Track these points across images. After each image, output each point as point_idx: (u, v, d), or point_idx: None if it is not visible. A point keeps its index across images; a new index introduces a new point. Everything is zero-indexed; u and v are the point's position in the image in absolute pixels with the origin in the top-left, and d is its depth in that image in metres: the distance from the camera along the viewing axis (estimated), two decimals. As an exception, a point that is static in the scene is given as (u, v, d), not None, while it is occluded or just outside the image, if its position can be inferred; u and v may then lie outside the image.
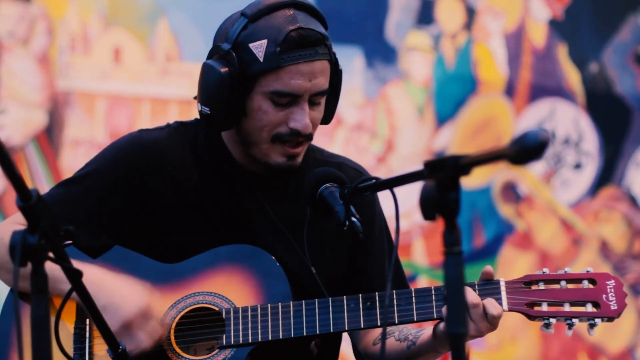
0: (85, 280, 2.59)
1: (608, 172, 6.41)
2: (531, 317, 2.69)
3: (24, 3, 5.36)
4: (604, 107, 6.44)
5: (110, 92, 5.49)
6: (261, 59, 2.69)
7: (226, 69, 2.71)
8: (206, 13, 5.53)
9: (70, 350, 2.69)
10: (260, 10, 2.72)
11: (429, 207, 1.91)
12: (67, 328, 2.71)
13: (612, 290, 2.69)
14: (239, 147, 2.83)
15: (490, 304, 2.64)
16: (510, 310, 2.68)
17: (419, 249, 6.03)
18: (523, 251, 6.20)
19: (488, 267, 2.72)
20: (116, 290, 2.66)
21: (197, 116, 2.93)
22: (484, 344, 6.07)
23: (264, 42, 2.70)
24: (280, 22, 2.71)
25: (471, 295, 2.64)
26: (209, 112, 2.74)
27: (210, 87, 2.72)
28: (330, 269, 2.84)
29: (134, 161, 2.80)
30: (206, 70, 2.74)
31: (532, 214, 6.27)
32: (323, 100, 2.80)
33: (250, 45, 2.70)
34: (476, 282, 2.70)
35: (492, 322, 2.64)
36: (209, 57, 2.78)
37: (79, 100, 5.41)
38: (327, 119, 2.87)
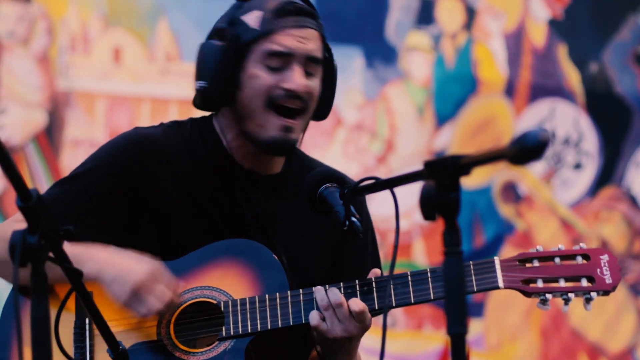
0: (93, 261, 2.61)
1: (608, 172, 6.41)
2: (527, 294, 2.70)
3: (24, 3, 5.36)
4: (604, 107, 6.44)
5: (110, 92, 5.49)
6: (253, 27, 2.77)
7: (221, 43, 2.78)
8: (206, 13, 5.52)
9: (70, 349, 2.69)
10: None
11: (429, 207, 1.91)
12: (67, 326, 2.71)
13: (606, 264, 2.71)
14: (235, 135, 2.85)
15: (353, 302, 2.65)
16: (506, 287, 2.69)
17: (419, 249, 6.04)
18: (523, 251, 6.20)
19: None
20: (123, 263, 2.68)
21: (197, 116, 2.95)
22: (484, 343, 6.08)
23: (257, 12, 2.78)
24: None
25: (335, 295, 2.66)
26: (204, 85, 2.79)
27: (205, 62, 2.79)
28: (311, 266, 2.86)
29: (130, 157, 2.82)
30: (202, 48, 2.82)
31: (532, 214, 6.27)
32: (318, 73, 2.83)
33: (243, 17, 2.79)
34: (471, 262, 2.71)
35: (358, 319, 2.65)
36: (207, 39, 2.86)
37: (79, 100, 5.41)
38: (323, 113, 2.90)
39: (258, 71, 2.77)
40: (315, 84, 2.81)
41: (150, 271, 2.66)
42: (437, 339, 5.95)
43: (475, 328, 6.00)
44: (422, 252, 6.03)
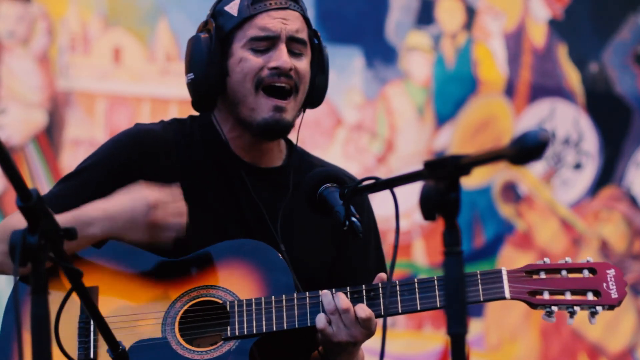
0: (93, 219, 2.65)
1: (608, 172, 6.41)
2: (533, 306, 2.71)
3: (24, 3, 5.36)
4: (604, 107, 6.44)
5: (110, 92, 5.49)
6: (235, 14, 2.82)
7: (205, 35, 2.84)
8: (206, 13, 5.51)
9: (74, 344, 2.70)
10: None
11: (429, 207, 1.91)
12: (71, 322, 2.71)
13: (612, 279, 2.72)
14: (232, 126, 2.87)
15: (360, 308, 2.66)
16: (512, 298, 2.70)
17: (419, 249, 6.04)
18: (523, 251, 6.20)
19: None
20: (121, 208, 2.69)
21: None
22: (484, 344, 6.08)
23: (237, 1, 2.84)
24: None
25: (342, 301, 2.66)
26: (193, 77, 2.83)
27: (192, 54, 2.84)
28: (314, 263, 2.86)
29: (131, 152, 2.84)
30: (189, 42, 2.87)
31: (532, 214, 6.27)
32: (305, 54, 2.86)
33: (225, 8, 2.85)
34: (478, 271, 2.71)
35: (364, 326, 2.66)
36: None
37: (79, 100, 5.41)
38: (317, 100, 2.92)
39: (244, 54, 2.81)
40: (302, 63, 2.84)
41: (151, 202, 2.68)
42: (437, 339, 5.95)
43: (475, 328, 6.00)
44: (422, 252, 6.03)
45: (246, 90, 2.81)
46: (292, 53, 2.82)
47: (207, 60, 2.81)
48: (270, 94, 2.80)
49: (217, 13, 2.86)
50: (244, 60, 2.80)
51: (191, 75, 2.83)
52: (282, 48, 2.80)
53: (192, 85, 2.84)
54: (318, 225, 2.87)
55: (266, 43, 2.81)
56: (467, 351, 1.89)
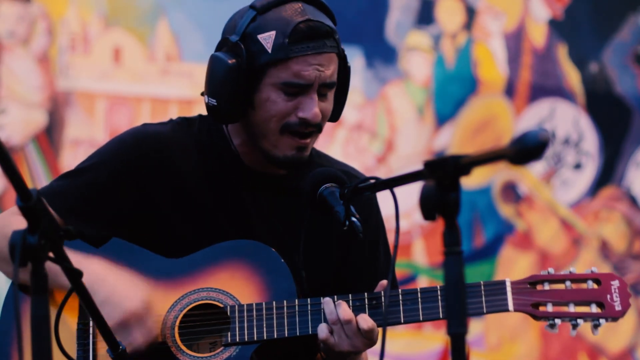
0: (87, 274, 2.61)
1: (608, 172, 6.41)
2: (536, 318, 2.71)
3: (24, 3, 5.36)
4: (604, 107, 6.44)
5: (110, 92, 5.49)
6: (269, 50, 2.69)
7: (234, 60, 2.71)
8: (206, 13, 5.52)
9: (73, 346, 2.69)
10: (269, 3, 2.73)
11: (429, 207, 1.91)
12: (70, 323, 2.71)
13: (617, 290, 2.71)
14: (244, 141, 2.82)
15: (362, 319, 2.64)
16: (516, 310, 2.69)
17: (419, 249, 6.03)
18: (523, 251, 6.20)
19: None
20: (117, 286, 2.66)
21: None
22: (484, 343, 6.08)
23: (273, 33, 2.70)
24: (289, 14, 2.72)
25: (344, 312, 2.64)
26: (215, 103, 2.73)
27: (218, 79, 2.72)
28: (321, 269, 2.84)
29: (136, 153, 2.81)
30: (214, 61, 2.74)
31: (532, 214, 6.27)
32: (331, 93, 2.79)
33: (259, 36, 2.71)
34: (482, 282, 2.70)
35: (366, 337, 2.64)
36: (217, 49, 2.78)
37: (79, 100, 5.41)
38: (335, 116, 2.86)
39: (273, 95, 2.72)
40: (327, 104, 2.78)
41: (144, 302, 2.65)
42: (437, 339, 5.94)
43: (475, 328, 6.00)
44: (422, 252, 6.03)
45: (270, 129, 2.73)
46: (320, 95, 2.74)
47: (234, 91, 2.71)
48: (294, 134, 2.74)
49: (248, 38, 2.72)
50: (273, 102, 2.71)
51: (213, 102, 2.73)
52: (314, 97, 2.71)
53: (213, 111, 2.75)
54: (327, 228, 2.85)
55: (297, 89, 2.70)
56: (467, 351, 1.89)
